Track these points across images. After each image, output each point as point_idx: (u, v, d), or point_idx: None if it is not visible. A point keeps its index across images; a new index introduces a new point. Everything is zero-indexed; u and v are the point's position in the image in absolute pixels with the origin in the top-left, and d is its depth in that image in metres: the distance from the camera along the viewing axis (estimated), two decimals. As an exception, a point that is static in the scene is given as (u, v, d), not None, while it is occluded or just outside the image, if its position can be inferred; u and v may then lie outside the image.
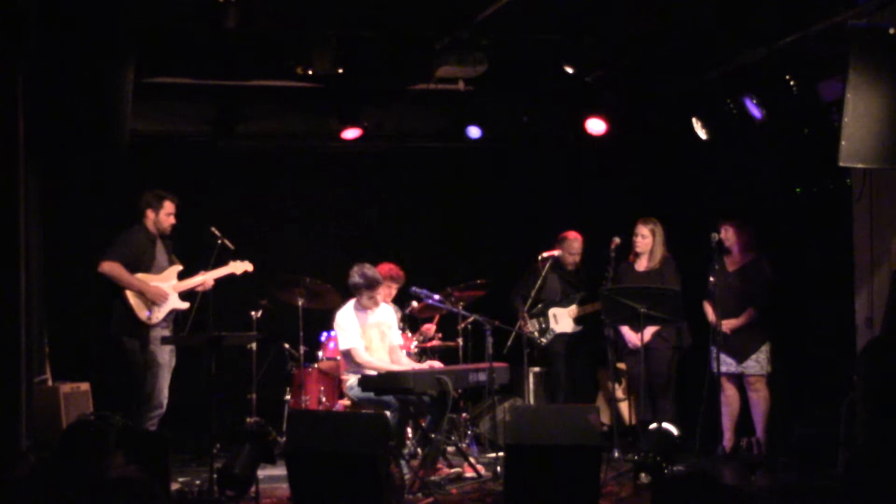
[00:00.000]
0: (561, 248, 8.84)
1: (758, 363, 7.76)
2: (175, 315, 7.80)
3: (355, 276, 7.65)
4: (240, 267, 8.03)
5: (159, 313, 7.62)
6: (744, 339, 7.78)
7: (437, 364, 7.96)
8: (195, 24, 6.95)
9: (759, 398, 7.79)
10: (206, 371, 6.72)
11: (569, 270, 8.94)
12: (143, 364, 7.53)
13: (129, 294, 7.55)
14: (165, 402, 7.71)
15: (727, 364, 7.81)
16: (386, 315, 7.96)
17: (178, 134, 9.02)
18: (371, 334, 7.78)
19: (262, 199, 9.51)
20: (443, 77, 7.92)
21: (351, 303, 7.82)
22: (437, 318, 8.76)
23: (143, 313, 7.54)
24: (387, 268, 8.16)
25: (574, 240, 8.87)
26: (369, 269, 7.69)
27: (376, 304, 7.78)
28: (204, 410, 6.81)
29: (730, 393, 7.90)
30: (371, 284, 7.64)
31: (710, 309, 7.80)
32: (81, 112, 6.21)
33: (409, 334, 8.54)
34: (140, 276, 7.62)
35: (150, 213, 7.75)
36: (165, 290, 7.66)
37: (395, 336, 7.99)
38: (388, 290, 8.11)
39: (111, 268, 7.54)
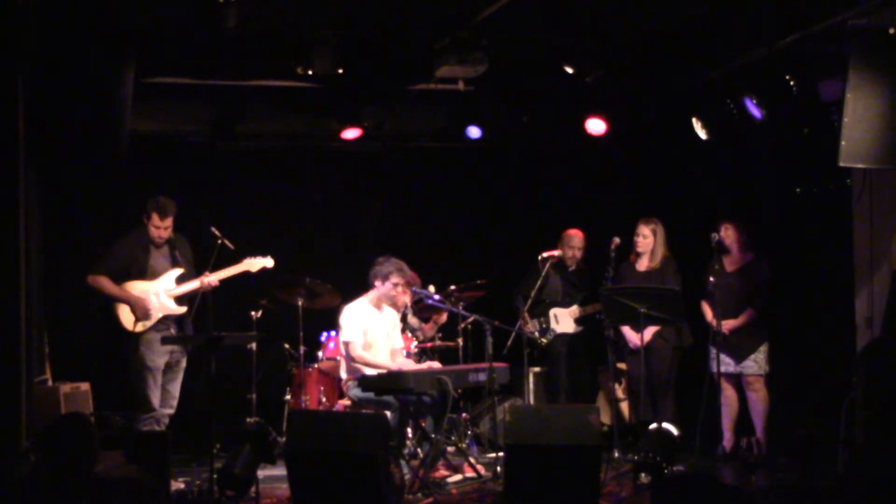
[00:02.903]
0: (562, 245, 8.84)
1: (756, 363, 7.77)
2: (176, 318, 7.75)
3: (388, 265, 7.70)
4: (254, 265, 7.94)
5: (147, 322, 7.52)
6: (742, 340, 7.79)
7: (436, 364, 7.97)
8: (195, 24, 6.94)
9: (758, 398, 7.79)
10: (206, 371, 6.71)
11: (570, 271, 8.94)
12: (134, 368, 7.50)
13: (115, 304, 7.50)
14: (174, 402, 7.66)
15: (726, 364, 7.81)
16: (391, 318, 7.98)
17: (178, 134, 9.01)
18: (376, 334, 7.80)
19: (262, 199, 9.50)
20: (443, 77, 7.91)
21: (363, 299, 7.84)
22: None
23: (129, 322, 7.48)
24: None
25: (574, 235, 8.87)
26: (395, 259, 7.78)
27: (398, 297, 7.83)
28: (204, 410, 6.81)
29: (729, 393, 7.91)
30: (399, 268, 7.71)
31: (708, 309, 7.81)
32: (81, 112, 6.21)
33: (409, 334, 8.54)
34: (130, 283, 7.52)
35: (144, 219, 7.69)
36: (154, 297, 7.53)
37: (397, 339, 8.01)
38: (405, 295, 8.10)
39: (95, 281, 7.48)
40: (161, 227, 7.60)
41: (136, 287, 7.54)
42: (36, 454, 5.19)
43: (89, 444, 4.24)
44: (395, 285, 7.76)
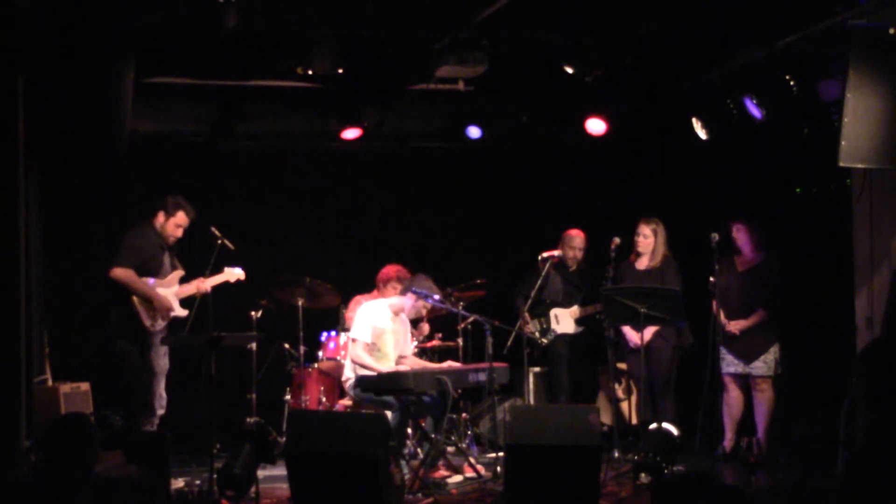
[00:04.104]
0: (562, 245, 8.83)
1: (765, 364, 7.74)
2: (172, 321, 7.77)
3: (428, 286, 7.62)
4: (233, 275, 7.96)
5: (163, 321, 7.59)
6: (752, 340, 7.76)
7: (456, 365, 7.93)
8: (195, 24, 6.95)
9: (764, 399, 7.77)
10: (206, 371, 6.71)
11: (571, 271, 8.94)
12: (141, 370, 7.52)
13: (136, 300, 7.49)
14: (164, 403, 7.70)
15: (734, 365, 7.80)
16: (405, 325, 7.94)
17: (178, 134, 9.01)
18: (388, 339, 7.75)
19: (262, 199, 9.49)
20: (443, 77, 7.92)
21: (384, 302, 7.81)
22: (426, 315, 8.75)
23: (147, 320, 7.50)
24: (395, 269, 8.15)
25: (575, 236, 8.87)
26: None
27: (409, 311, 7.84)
28: (204, 410, 6.81)
29: (734, 394, 7.89)
30: (436, 294, 7.68)
31: (718, 308, 7.78)
32: (81, 112, 6.21)
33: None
34: (146, 280, 7.56)
35: (160, 216, 7.64)
36: (171, 299, 7.61)
37: (407, 346, 7.96)
38: (394, 292, 8.10)
39: (125, 274, 7.43)
40: (181, 227, 7.65)
41: (154, 285, 7.57)
42: (36, 454, 5.19)
43: (89, 444, 4.24)
44: (425, 307, 7.77)
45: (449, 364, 7.89)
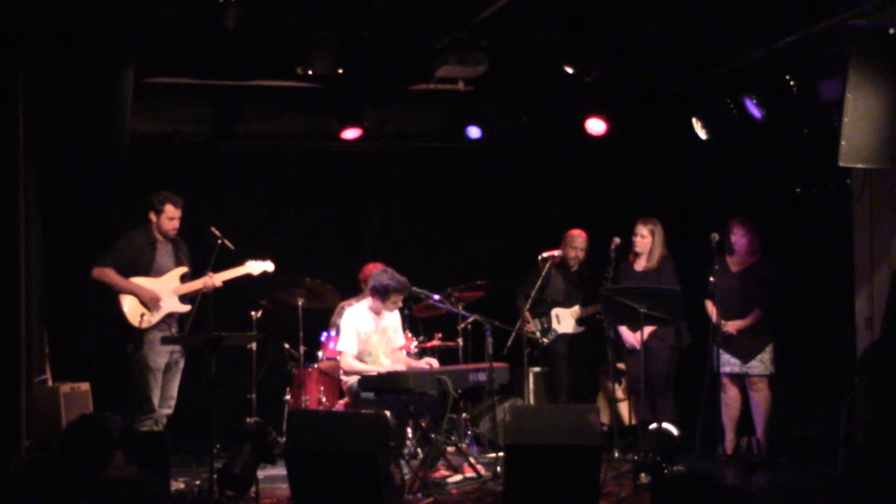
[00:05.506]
0: (564, 245, 8.83)
1: (762, 363, 7.74)
2: (178, 317, 7.79)
3: (385, 279, 7.49)
4: (256, 268, 7.98)
5: (153, 317, 7.60)
6: (748, 340, 7.76)
7: (434, 362, 7.93)
8: (195, 24, 6.95)
9: (761, 399, 7.77)
10: (206, 371, 6.71)
11: (573, 271, 8.94)
12: (136, 367, 7.54)
13: (122, 298, 7.55)
14: (172, 403, 7.72)
15: (731, 364, 7.80)
16: (393, 318, 7.93)
17: (178, 134, 9.01)
18: (376, 340, 7.74)
19: (262, 199, 9.50)
20: (443, 77, 7.92)
21: (364, 303, 7.77)
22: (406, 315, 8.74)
23: (135, 318, 7.52)
24: (372, 267, 8.14)
25: (577, 236, 8.87)
26: (398, 275, 7.57)
27: (397, 307, 7.74)
28: (204, 410, 6.81)
29: (732, 394, 7.89)
30: (401, 289, 7.54)
31: (713, 308, 7.78)
32: (81, 112, 6.21)
33: (409, 334, 8.54)
34: (136, 279, 7.60)
35: (152, 216, 7.75)
36: (160, 293, 7.63)
37: (399, 338, 7.97)
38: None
39: (101, 273, 7.58)
40: (175, 219, 7.72)
41: (144, 282, 7.60)
42: (53, 453, 5.19)
43: (107, 445, 4.26)
44: (395, 304, 7.65)
45: (427, 361, 7.90)
